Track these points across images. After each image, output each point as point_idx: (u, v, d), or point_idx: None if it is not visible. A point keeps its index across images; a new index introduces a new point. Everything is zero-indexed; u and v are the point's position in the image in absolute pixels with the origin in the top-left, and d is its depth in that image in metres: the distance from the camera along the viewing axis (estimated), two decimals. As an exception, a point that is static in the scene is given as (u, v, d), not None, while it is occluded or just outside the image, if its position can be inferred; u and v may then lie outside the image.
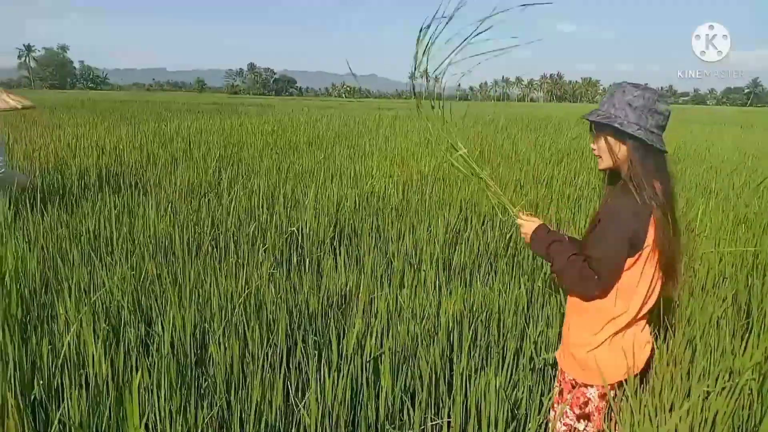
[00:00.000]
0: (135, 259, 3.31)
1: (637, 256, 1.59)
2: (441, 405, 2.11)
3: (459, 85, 1.57)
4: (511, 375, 2.48)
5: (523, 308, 2.91)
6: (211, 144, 9.70)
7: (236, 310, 2.55)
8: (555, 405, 1.83)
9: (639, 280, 1.62)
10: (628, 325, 1.68)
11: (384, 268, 3.54)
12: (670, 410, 1.92)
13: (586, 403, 1.73)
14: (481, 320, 2.70)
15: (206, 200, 5.07)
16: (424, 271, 3.34)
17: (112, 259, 3.40)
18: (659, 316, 2.22)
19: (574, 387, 1.75)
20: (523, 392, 2.31)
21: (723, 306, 2.77)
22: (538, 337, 2.59)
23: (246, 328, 2.43)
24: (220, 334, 2.34)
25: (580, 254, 1.64)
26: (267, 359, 2.24)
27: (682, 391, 2.00)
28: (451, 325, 2.64)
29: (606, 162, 1.66)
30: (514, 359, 2.53)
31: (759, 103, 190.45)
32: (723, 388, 1.90)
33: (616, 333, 1.67)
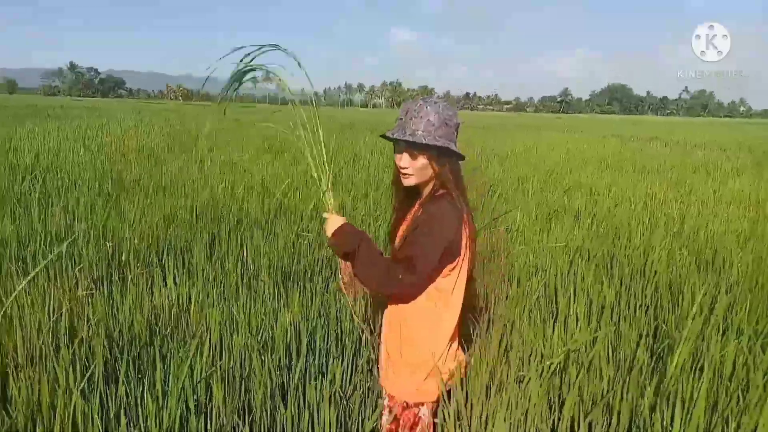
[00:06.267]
0: None
1: (456, 262, 1.60)
2: (276, 418, 2.06)
3: (303, 89, 1.49)
4: (351, 377, 2.51)
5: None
6: (19, 151, 8.63)
7: (44, 339, 2.27)
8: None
9: (454, 287, 1.64)
10: (455, 334, 1.70)
11: (220, 280, 3.39)
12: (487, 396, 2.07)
13: (416, 423, 1.71)
14: (320, 325, 2.69)
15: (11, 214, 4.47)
16: (262, 281, 3.26)
17: None
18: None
19: (405, 409, 1.71)
20: (360, 394, 2.34)
21: (536, 295, 3.07)
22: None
23: (55, 361, 2.16)
24: (26, 370, 2.06)
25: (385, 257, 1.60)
26: (80, 392, 2.01)
27: (502, 379, 2.16)
28: (289, 333, 2.60)
29: (417, 179, 1.62)
30: (352, 362, 2.56)
31: (569, 110, 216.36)
32: (539, 372, 2.08)
33: (450, 344, 1.69)
